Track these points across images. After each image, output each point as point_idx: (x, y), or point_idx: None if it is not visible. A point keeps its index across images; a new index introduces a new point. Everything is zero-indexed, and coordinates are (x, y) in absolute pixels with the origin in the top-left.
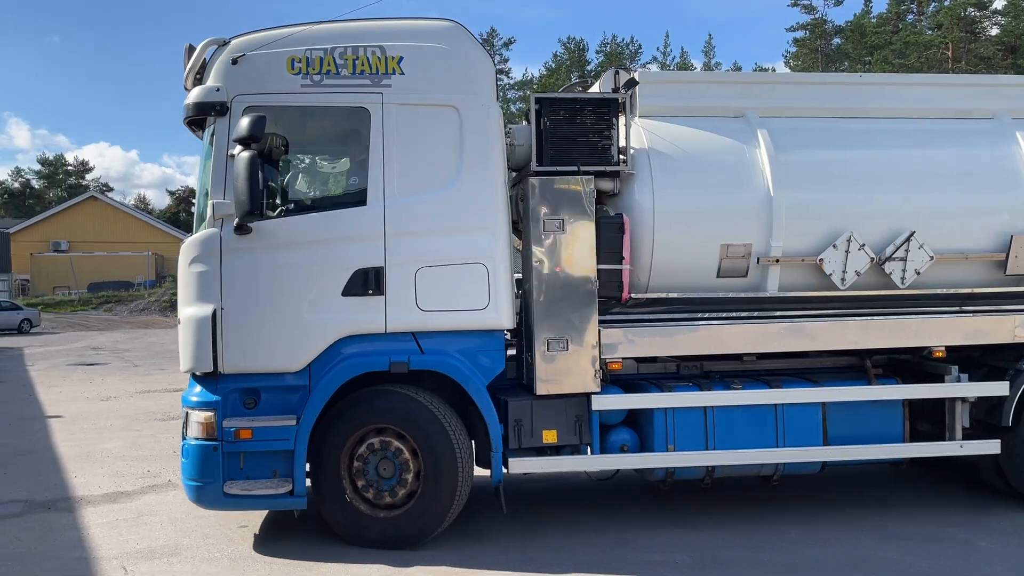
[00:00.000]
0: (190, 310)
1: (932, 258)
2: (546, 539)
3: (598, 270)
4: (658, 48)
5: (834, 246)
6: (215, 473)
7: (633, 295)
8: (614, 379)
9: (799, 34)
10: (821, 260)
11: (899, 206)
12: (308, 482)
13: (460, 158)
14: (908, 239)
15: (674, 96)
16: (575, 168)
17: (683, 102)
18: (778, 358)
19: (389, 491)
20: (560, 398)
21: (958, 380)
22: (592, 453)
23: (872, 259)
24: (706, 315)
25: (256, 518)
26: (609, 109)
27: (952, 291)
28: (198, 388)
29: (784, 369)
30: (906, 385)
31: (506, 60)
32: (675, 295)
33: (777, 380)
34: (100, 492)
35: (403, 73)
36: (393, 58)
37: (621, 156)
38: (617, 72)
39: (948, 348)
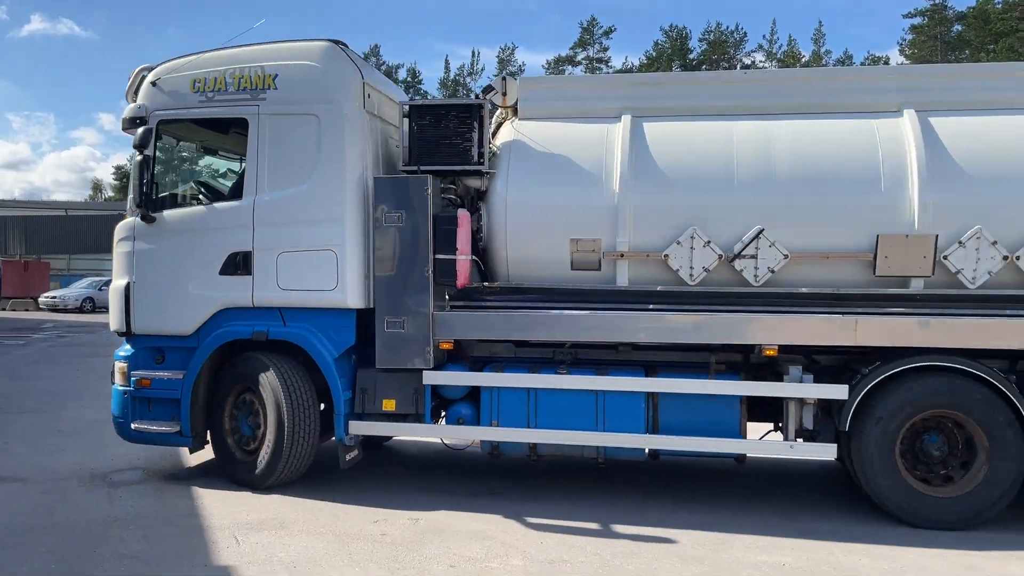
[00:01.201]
0: (114, 282)
1: (786, 256)
2: (376, 481)
3: (435, 260)
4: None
5: (678, 242)
6: (127, 413)
7: (487, 284)
8: (480, 360)
9: (917, 20)
10: (667, 256)
11: (751, 204)
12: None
13: (317, 159)
14: (757, 236)
15: (555, 99)
16: (415, 168)
17: (564, 105)
18: (666, 350)
19: (249, 440)
20: (399, 372)
21: (800, 380)
22: (426, 423)
23: (720, 256)
24: (544, 304)
25: (358, 496)
26: (471, 114)
27: (815, 291)
28: (124, 345)
29: (659, 360)
30: (740, 381)
31: (606, 49)
32: (528, 285)
33: (606, 368)
34: (212, 464)
35: (276, 88)
36: (270, 75)
37: (483, 157)
38: (504, 78)
39: (823, 350)
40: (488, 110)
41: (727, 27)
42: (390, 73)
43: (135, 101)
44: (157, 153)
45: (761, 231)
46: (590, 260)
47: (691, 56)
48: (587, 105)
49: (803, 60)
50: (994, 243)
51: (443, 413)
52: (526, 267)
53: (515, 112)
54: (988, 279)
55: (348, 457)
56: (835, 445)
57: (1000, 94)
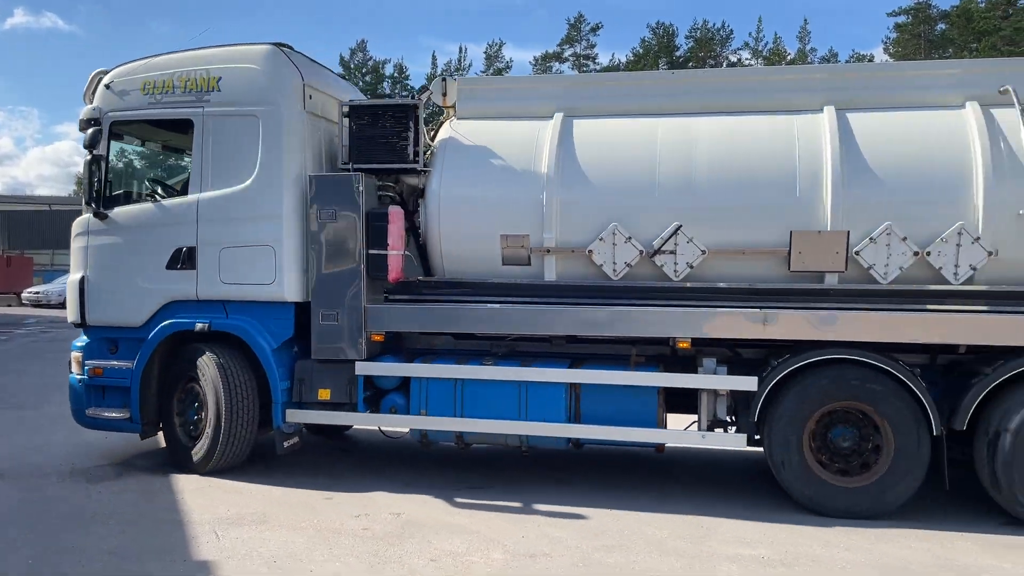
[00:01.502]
0: (71, 275)
1: (704, 252)
2: (357, 477)
3: (367, 255)
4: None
5: (601, 239)
6: (82, 400)
7: (422, 279)
8: (420, 351)
9: (901, 19)
10: (591, 252)
11: (671, 202)
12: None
13: (257, 158)
14: (675, 233)
15: (491, 99)
16: (347, 167)
17: (500, 105)
18: (600, 343)
19: (193, 426)
20: (334, 362)
21: (714, 373)
22: (359, 411)
23: (641, 252)
24: (475, 298)
25: (340, 490)
26: (407, 114)
27: (732, 286)
28: (81, 336)
29: (590, 353)
30: (656, 373)
31: (593, 46)
32: (461, 279)
33: (531, 360)
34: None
35: (220, 90)
36: (214, 78)
37: (418, 155)
38: (444, 79)
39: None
40: (422, 110)
41: (713, 24)
42: (376, 68)
43: (92, 103)
44: (111, 152)
45: (679, 227)
46: (520, 256)
47: (677, 53)
48: (522, 105)
49: (788, 58)
50: (904, 239)
51: (379, 402)
52: (460, 262)
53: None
54: (900, 274)
55: (286, 444)
56: (745, 435)
57: (918, 92)
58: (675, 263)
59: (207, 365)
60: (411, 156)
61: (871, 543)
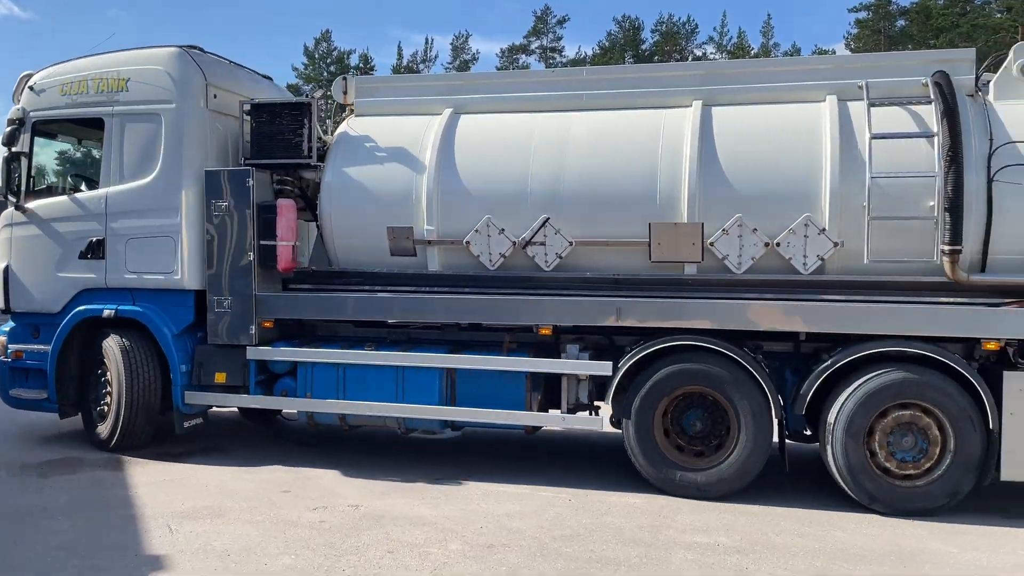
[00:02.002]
0: None
1: (571, 243)
2: (318, 470)
3: (258, 245)
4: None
5: (477, 230)
6: (6, 381)
7: (316, 269)
8: (319, 337)
9: (862, 15)
10: (468, 243)
11: (542, 194)
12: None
13: (160, 154)
14: (543, 225)
15: (386, 97)
16: (241, 162)
17: (394, 102)
18: (492, 331)
19: (104, 407)
20: (230, 347)
21: (576, 358)
22: (251, 394)
23: (514, 243)
24: (365, 287)
25: (299, 484)
26: (302, 112)
27: (598, 276)
28: (8, 321)
29: (476, 340)
30: (521, 358)
31: (559, 38)
32: (353, 269)
33: (411, 345)
34: (149, 452)
35: (128, 90)
36: (123, 79)
37: (311, 151)
38: (345, 78)
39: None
40: (316, 108)
41: (679, 19)
42: (341, 59)
43: (18, 103)
44: (34, 149)
45: (547, 219)
46: (406, 247)
47: (643, 47)
48: (415, 102)
49: (752, 52)
50: (754, 230)
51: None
52: (352, 253)
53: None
54: (753, 264)
55: (187, 424)
56: (602, 418)
57: (784, 88)
58: (546, 254)
59: (112, 349)
60: (306, 152)
61: (824, 530)
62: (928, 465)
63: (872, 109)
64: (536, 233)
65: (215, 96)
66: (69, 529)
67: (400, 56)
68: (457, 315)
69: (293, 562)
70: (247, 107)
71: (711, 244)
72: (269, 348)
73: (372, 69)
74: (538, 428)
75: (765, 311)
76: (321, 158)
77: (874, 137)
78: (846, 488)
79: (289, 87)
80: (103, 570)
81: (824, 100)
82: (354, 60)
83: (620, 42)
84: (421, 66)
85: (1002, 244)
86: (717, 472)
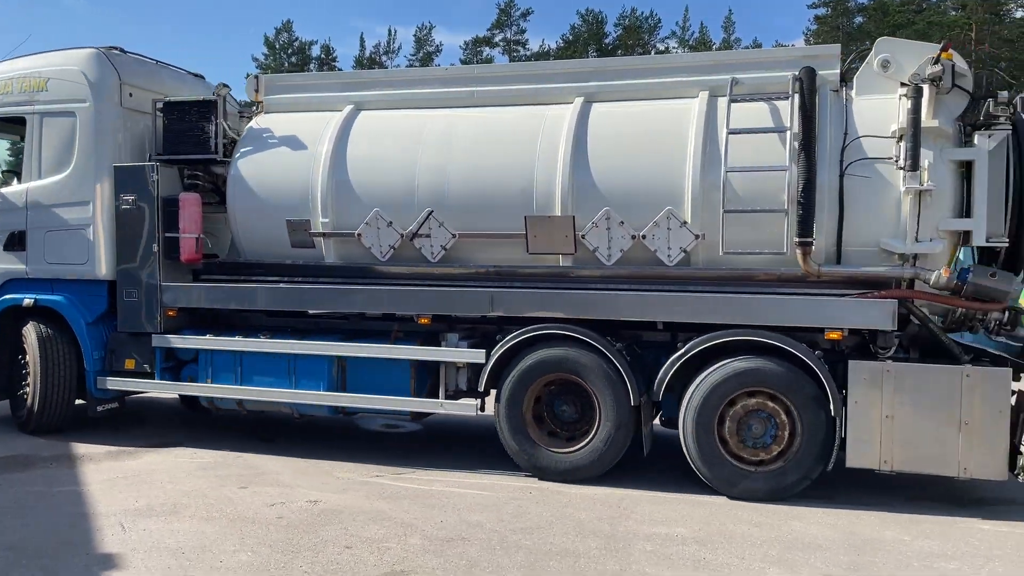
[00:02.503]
0: None
1: (454, 236)
2: (279, 465)
3: (162, 237)
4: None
5: (367, 223)
6: None
7: (221, 261)
8: (228, 325)
9: (821, 11)
10: (359, 235)
11: (428, 188)
12: None
13: (75, 150)
14: (428, 218)
15: (293, 94)
16: (148, 158)
17: (302, 99)
18: (399, 321)
19: (24, 392)
20: (139, 335)
21: (456, 346)
22: (157, 380)
23: (401, 235)
24: (267, 278)
25: (257, 480)
26: (210, 109)
27: (481, 268)
28: None
29: (372, 329)
30: (403, 346)
31: (523, 31)
32: (259, 260)
33: (307, 334)
34: (103, 450)
35: (47, 90)
36: (44, 79)
37: (217, 147)
38: (256, 77)
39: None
40: (223, 105)
41: (642, 13)
42: (303, 49)
43: None
44: None
45: (431, 212)
46: (304, 239)
47: (607, 41)
48: (320, 99)
49: (714, 47)
50: (621, 223)
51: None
52: (257, 244)
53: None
54: (622, 256)
55: (100, 408)
56: (476, 402)
57: (661, 85)
58: (431, 246)
59: (30, 336)
60: (213, 148)
61: (781, 520)
62: (777, 451)
63: (733, 105)
64: (421, 226)
65: (130, 95)
66: (19, 528)
67: (363, 48)
68: (345, 305)
69: (250, 559)
70: (159, 105)
71: (582, 237)
72: (173, 336)
73: (334, 60)
74: (426, 414)
75: (620, 302)
76: (231, 154)
77: (731, 132)
78: (700, 474)
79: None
80: (53, 570)
81: (697, 96)
82: (315, 51)
83: (584, 36)
84: (384, 58)
85: (854, 236)
86: (579, 456)
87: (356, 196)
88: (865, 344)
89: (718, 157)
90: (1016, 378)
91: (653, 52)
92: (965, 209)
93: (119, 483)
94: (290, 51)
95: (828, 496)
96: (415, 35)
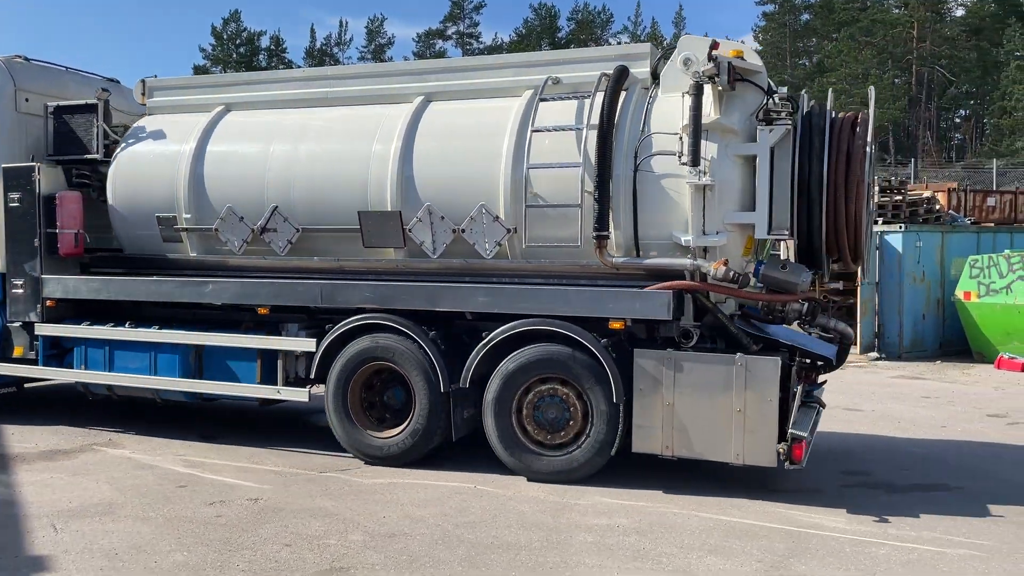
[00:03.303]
0: None
1: (298, 230)
2: (224, 462)
3: (43, 233)
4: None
5: (222, 218)
6: None
7: (101, 255)
8: (123, 316)
9: (768, 8)
10: (216, 231)
11: (276, 185)
12: None
13: None
14: (273, 213)
15: (174, 96)
16: (31, 159)
17: (181, 101)
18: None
19: None
20: (26, 324)
21: (296, 336)
22: (40, 366)
23: (252, 230)
24: (141, 272)
25: (196, 478)
26: (92, 112)
27: (325, 263)
28: None
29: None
30: (241, 335)
31: (476, 24)
32: (139, 255)
33: (167, 324)
34: (37, 450)
35: None
36: None
37: (98, 148)
38: (143, 80)
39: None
40: (103, 108)
41: (594, 8)
42: (251, 40)
43: None
44: None
45: (276, 208)
46: (172, 234)
47: (559, 35)
48: (197, 100)
49: (665, 42)
50: (443, 218)
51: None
52: (135, 239)
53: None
54: (446, 250)
55: None
56: (307, 390)
57: (494, 84)
58: (279, 240)
59: None
60: (95, 148)
61: (722, 509)
62: (571, 435)
63: (549, 103)
64: (269, 220)
65: (27, 100)
66: None
67: (313, 39)
68: (195, 297)
69: (185, 559)
70: (50, 109)
71: (409, 231)
72: (52, 325)
73: (284, 51)
74: (273, 401)
75: (436, 293)
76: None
77: (534, 131)
78: (500, 457)
79: (196, 68)
80: None
81: (521, 95)
82: (265, 42)
83: (537, 29)
84: (335, 50)
85: (650, 230)
86: (396, 441)
87: (213, 193)
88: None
89: (523, 154)
90: (812, 368)
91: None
92: (754, 203)
93: (53, 483)
94: (238, 42)
95: (767, 487)
96: (367, 27)
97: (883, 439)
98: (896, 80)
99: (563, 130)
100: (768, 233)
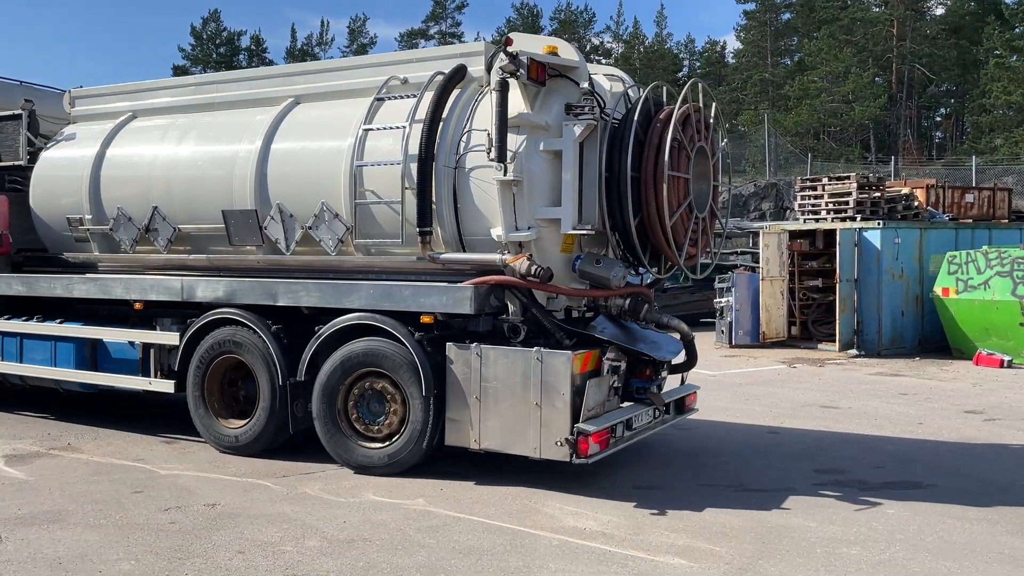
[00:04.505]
0: None
1: (176, 229)
2: (186, 466)
3: None
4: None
5: (114, 219)
6: None
7: (30, 253)
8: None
9: (750, 6)
10: (111, 231)
11: (159, 187)
12: None
13: None
14: (154, 213)
15: (89, 105)
16: None
17: (100, 109)
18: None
19: None
20: None
21: (168, 330)
22: None
23: (139, 230)
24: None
25: (154, 484)
26: (18, 121)
27: (193, 259)
28: None
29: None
30: (121, 329)
31: (458, 24)
32: (57, 255)
33: (68, 319)
34: None
35: None
36: None
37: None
38: (69, 91)
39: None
40: (26, 117)
41: (577, 7)
42: (231, 39)
43: None
44: None
45: (156, 208)
46: (80, 234)
47: (542, 34)
48: (112, 108)
49: (646, 42)
50: (291, 216)
51: None
52: (54, 240)
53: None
54: (297, 247)
55: None
56: (172, 381)
57: (356, 85)
58: (160, 239)
59: None
60: (21, 155)
61: (695, 510)
62: (391, 428)
63: (387, 102)
64: (151, 220)
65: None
66: None
67: (294, 39)
68: (81, 292)
69: (132, 568)
70: None
71: (265, 229)
72: None
73: (264, 51)
74: (155, 393)
75: (266, 288)
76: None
77: (366, 128)
78: (327, 449)
79: (176, 69)
80: None
81: (376, 96)
82: (245, 41)
83: (519, 29)
84: (316, 49)
85: (471, 226)
86: (243, 430)
87: (108, 194)
88: (500, 329)
89: (359, 152)
90: (649, 364)
91: (588, 47)
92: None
93: (4, 490)
94: (218, 41)
95: (738, 484)
96: (349, 27)
97: (858, 436)
98: (877, 78)
99: (390, 128)
100: (573, 228)
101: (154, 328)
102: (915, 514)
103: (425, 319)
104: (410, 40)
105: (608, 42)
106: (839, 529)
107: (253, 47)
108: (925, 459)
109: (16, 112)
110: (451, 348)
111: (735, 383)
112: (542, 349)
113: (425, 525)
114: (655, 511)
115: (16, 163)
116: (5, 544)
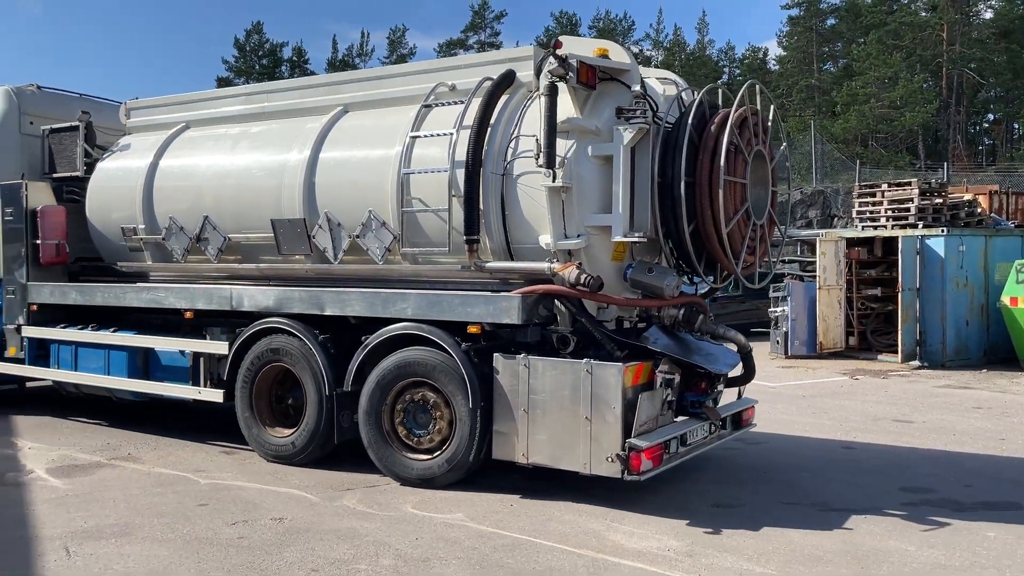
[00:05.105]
0: None
1: (226, 239)
2: (246, 477)
3: (30, 243)
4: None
5: (166, 228)
6: None
7: (84, 263)
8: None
9: (794, 12)
10: (164, 240)
11: (209, 197)
12: None
13: None
14: (204, 222)
15: (144, 116)
16: (21, 175)
17: (154, 120)
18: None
19: None
20: (18, 327)
21: (218, 339)
22: (27, 364)
23: (191, 239)
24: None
25: (218, 497)
26: (75, 133)
27: (248, 267)
28: None
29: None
30: (171, 338)
31: (497, 33)
32: (111, 264)
33: (127, 327)
34: (53, 465)
35: None
36: None
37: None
38: (125, 103)
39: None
40: (83, 129)
41: (616, 15)
42: (274, 51)
43: None
44: None
45: (207, 217)
46: (134, 244)
47: None
48: (166, 119)
49: (688, 49)
50: (339, 225)
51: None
52: (110, 250)
53: None
54: (344, 256)
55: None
56: (222, 390)
57: (402, 93)
58: (210, 248)
59: None
60: (78, 167)
61: (777, 532)
62: (438, 439)
63: (435, 109)
64: (202, 229)
65: (31, 123)
66: None
67: (335, 50)
68: (147, 302)
69: None
70: (46, 132)
71: (312, 237)
72: (34, 327)
73: (306, 63)
74: (205, 403)
75: (314, 298)
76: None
77: (413, 136)
78: (373, 460)
79: (219, 80)
80: None
81: (424, 103)
82: (287, 53)
83: (557, 37)
84: (357, 60)
85: (520, 234)
86: (291, 439)
87: (160, 205)
88: (549, 340)
89: (406, 160)
90: (704, 378)
91: None
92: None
93: (69, 502)
94: (260, 53)
95: (821, 503)
96: (388, 37)
97: (939, 452)
98: (926, 84)
99: (438, 135)
100: (625, 236)
101: (204, 337)
102: (1019, 538)
103: (472, 329)
104: (449, 50)
105: (648, 50)
106: (940, 554)
107: (295, 58)
108: (1015, 477)
109: (73, 124)
110: (498, 359)
111: (797, 395)
112: (592, 361)
113: (501, 543)
114: (741, 531)
115: (73, 174)
116: (73, 559)
